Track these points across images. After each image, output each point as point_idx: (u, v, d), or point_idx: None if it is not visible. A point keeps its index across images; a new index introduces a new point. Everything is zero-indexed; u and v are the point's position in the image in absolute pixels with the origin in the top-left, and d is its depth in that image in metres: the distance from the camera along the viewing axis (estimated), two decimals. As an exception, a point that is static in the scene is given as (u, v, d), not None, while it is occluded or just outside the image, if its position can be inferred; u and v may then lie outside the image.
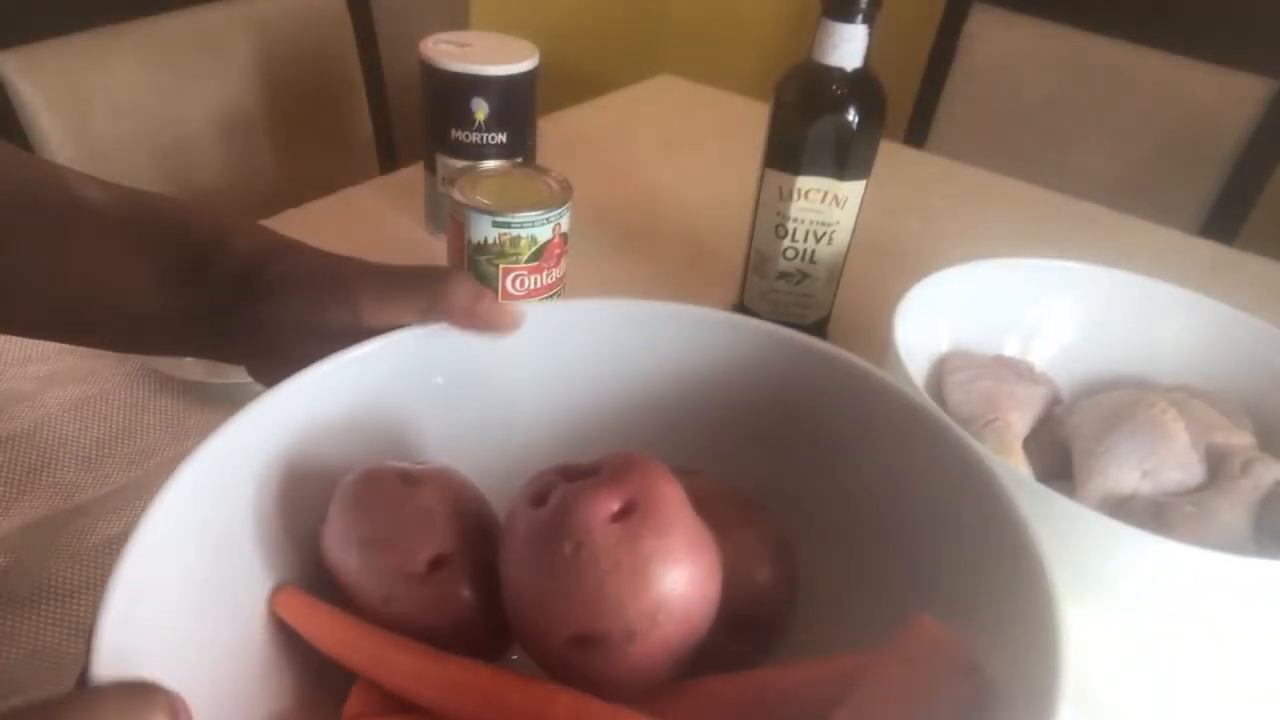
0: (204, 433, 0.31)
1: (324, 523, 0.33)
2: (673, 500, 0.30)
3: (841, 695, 0.30)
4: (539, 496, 0.31)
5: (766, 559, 0.35)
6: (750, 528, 0.35)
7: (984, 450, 0.35)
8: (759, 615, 0.35)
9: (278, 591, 0.33)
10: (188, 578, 0.30)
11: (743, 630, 0.34)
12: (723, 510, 0.32)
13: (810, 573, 0.37)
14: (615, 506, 0.29)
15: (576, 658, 0.30)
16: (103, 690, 0.23)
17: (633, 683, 0.30)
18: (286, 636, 0.33)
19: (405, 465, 0.34)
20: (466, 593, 0.32)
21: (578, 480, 0.31)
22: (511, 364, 0.39)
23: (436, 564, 0.32)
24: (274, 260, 0.38)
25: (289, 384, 0.34)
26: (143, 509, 0.28)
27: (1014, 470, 0.49)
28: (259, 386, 0.38)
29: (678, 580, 0.29)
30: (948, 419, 0.36)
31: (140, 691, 0.23)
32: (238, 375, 0.41)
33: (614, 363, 0.40)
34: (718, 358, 0.40)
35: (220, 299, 0.39)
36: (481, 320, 0.38)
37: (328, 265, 0.38)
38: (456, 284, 0.37)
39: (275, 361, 0.38)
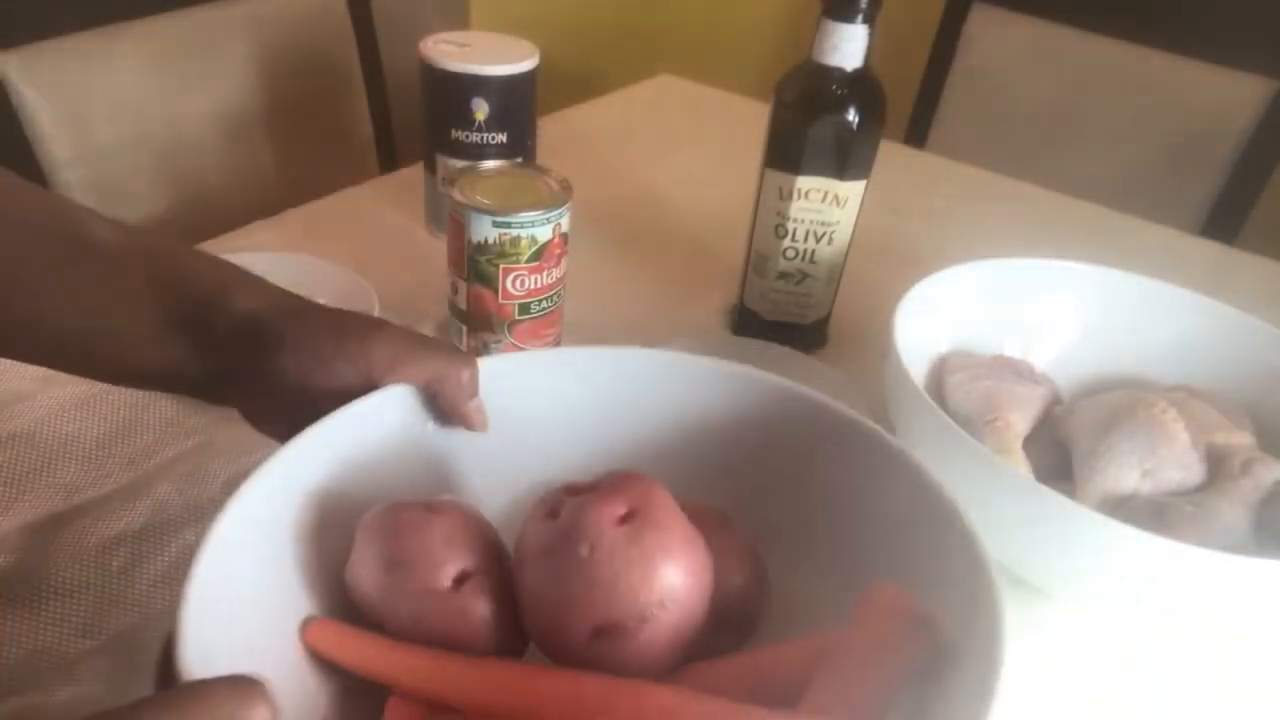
0: (204, 433, 0.32)
1: (350, 556, 0.36)
2: (667, 504, 0.35)
3: (818, 664, 0.35)
4: (551, 511, 0.35)
5: (742, 563, 0.40)
6: (726, 537, 0.39)
7: (903, 445, 0.39)
8: (739, 611, 0.39)
9: (308, 624, 0.35)
10: (243, 596, 0.33)
11: (725, 626, 0.38)
12: (701, 524, 0.36)
13: (776, 577, 0.41)
14: (621, 512, 0.34)
15: (597, 648, 0.34)
16: (209, 683, 0.24)
17: (645, 667, 0.34)
18: (318, 660, 0.35)
19: (422, 499, 0.37)
20: (488, 605, 0.35)
21: (583, 494, 0.35)
22: (514, 409, 0.43)
23: (460, 580, 0.35)
24: (275, 320, 0.39)
25: (322, 424, 0.37)
26: (142, 511, 0.29)
27: (1014, 471, 0.49)
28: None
29: (678, 570, 0.34)
30: (874, 426, 0.40)
31: (244, 684, 0.24)
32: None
33: (601, 408, 0.45)
34: (690, 399, 0.44)
35: (216, 350, 0.39)
36: (463, 419, 0.41)
37: (334, 325, 0.40)
38: (465, 383, 0.40)
39: (269, 411, 0.40)
